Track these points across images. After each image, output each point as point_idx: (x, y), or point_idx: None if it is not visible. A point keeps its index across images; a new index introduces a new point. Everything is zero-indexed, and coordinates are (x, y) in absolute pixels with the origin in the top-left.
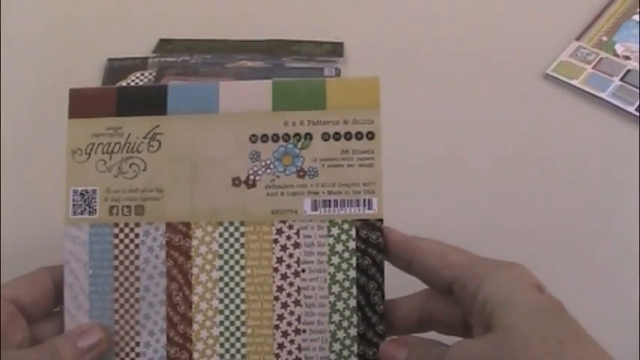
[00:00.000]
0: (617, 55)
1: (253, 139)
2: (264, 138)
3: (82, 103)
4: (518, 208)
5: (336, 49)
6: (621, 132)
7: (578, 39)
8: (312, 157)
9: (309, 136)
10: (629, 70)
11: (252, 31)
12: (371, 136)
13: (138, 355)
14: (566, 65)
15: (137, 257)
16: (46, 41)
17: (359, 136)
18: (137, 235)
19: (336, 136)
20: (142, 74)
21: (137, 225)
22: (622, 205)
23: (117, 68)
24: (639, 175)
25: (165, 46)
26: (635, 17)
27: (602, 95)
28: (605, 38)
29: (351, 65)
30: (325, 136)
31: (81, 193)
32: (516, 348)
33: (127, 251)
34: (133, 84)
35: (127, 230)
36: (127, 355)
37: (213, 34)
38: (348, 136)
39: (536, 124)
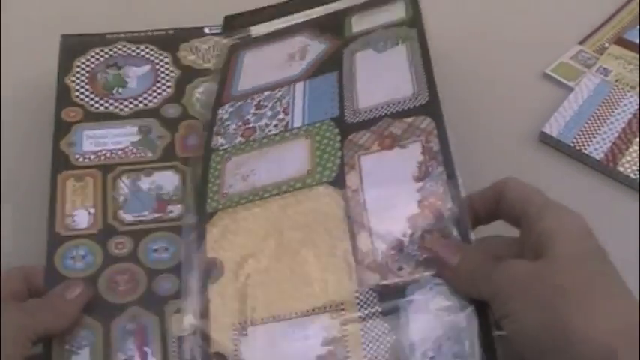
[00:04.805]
0: None
1: None
2: None
3: None
4: None
5: None
6: None
7: (581, 43)
8: None
9: None
10: None
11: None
12: None
13: None
14: (566, 67)
15: None
16: (47, 44)
17: None
18: None
19: None
20: (102, 50)
21: None
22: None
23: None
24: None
25: None
26: (637, 26)
27: None
28: (607, 45)
29: None
30: None
31: None
32: (559, 271)
33: None
34: (93, 60)
35: None
36: None
37: None
38: None
39: (531, 120)
